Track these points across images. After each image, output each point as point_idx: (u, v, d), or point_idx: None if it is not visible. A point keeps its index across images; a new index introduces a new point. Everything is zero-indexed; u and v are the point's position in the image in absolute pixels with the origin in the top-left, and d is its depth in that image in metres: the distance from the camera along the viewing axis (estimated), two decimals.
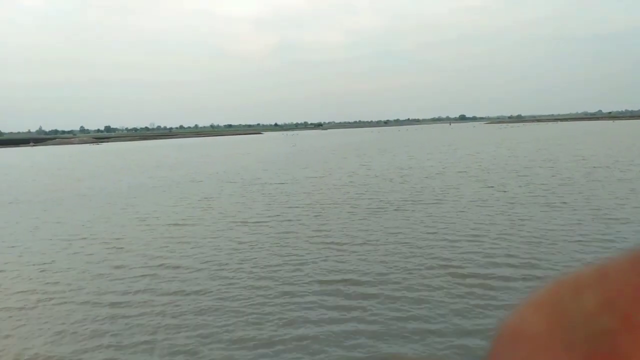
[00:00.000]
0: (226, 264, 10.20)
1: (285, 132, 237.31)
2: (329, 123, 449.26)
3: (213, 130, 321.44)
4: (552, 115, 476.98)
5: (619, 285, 0.21)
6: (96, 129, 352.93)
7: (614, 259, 0.23)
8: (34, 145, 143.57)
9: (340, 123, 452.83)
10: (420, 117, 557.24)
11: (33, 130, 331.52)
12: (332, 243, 11.46)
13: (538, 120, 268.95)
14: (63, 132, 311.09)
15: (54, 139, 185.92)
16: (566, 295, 0.23)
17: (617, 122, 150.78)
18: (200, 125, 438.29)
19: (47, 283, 9.63)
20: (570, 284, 0.23)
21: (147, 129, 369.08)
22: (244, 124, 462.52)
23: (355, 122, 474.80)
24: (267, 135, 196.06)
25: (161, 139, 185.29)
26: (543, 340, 0.22)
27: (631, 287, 0.21)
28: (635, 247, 0.22)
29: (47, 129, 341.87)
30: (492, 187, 19.40)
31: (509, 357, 0.23)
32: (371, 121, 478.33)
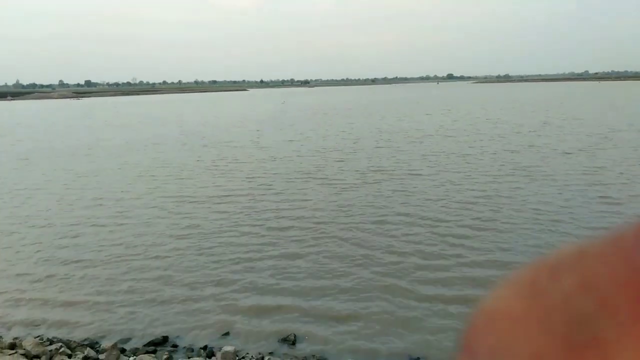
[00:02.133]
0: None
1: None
2: (316, 81, 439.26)
3: (197, 86, 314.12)
4: (540, 75, 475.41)
5: (599, 267, 0.21)
6: (76, 83, 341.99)
7: (594, 240, 0.22)
8: (11, 100, 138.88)
9: (327, 81, 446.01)
10: (408, 76, 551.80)
11: (10, 83, 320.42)
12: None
13: (525, 80, 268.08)
14: (41, 86, 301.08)
15: (33, 93, 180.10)
16: (544, 277, 0.22)
17: (603, 83, 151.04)
18: (184, 81, 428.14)
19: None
20: (549, 265, 0.23)
21: (129, 84, 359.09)
22: (228, 80, 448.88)
23: (342, 79, 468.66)
24: (253, 92, 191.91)
25: (143, 94, 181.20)
26: (520, 322, 0.21)
27: (612, 270, 0.20)
28: (616, 228, 0.22)
29: (24, 82, 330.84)
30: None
31: (485, 340, 0.22)
32: (359, 79, 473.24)
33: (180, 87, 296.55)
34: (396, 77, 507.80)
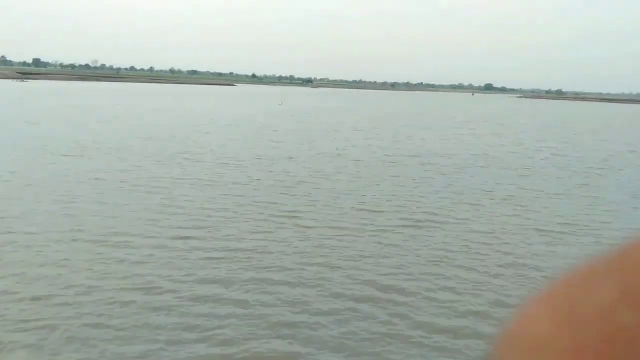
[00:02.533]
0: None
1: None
2: (321, 80, 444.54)
3: (173, 76, 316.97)
4: (600, 93, 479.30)
5: None
6: (22, 61, 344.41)
7: (633, 241, 0.23)
8: None
9: (335, 81, 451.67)
10: (436, 83, 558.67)
11: None
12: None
13: (583, 99, 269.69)
14: None
15: None
16: (577, 289, 0.23)
17: None
18: (157, 68, 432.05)
19: None
20: (582, 275, 0.23)
21: (88, 67, 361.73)
22: (212, 71, 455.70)
23: (354, 81, 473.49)
24: (242, 88, 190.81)
25: (105, 81, 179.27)
26: (550, 342, 0.22)
27: None
28: None
29: None
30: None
31: None
32: (375, 82, 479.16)
33: (152, 76, 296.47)
34: (421, 83, 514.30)
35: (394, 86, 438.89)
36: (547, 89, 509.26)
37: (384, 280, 9.19)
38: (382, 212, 13.90)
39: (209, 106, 65.12)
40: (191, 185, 16.36)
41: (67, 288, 8.45)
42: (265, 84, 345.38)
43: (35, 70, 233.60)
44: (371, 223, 12.72)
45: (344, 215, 13.45)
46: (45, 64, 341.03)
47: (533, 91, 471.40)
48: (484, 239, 11.84)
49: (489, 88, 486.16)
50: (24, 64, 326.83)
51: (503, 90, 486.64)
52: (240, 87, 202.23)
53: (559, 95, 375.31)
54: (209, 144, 26.74)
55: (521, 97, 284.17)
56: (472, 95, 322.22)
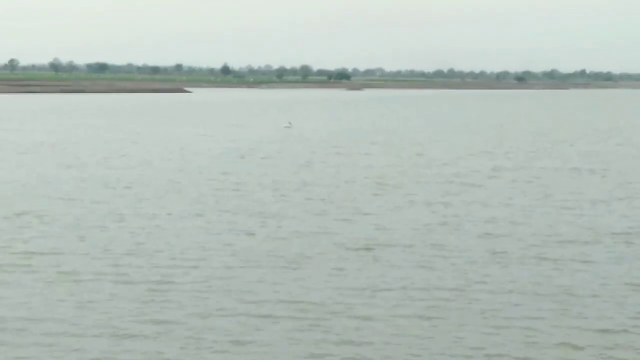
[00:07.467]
0: None
1: None
2: (366, 72, 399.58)
3: (56, 78, 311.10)
4: None
5: None
6: None
7: None
8: None
9: (395, 75, 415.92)
10: (611, 69, 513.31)
11: None
12: None
13: None
14: None
15: None
16: None
17: None
18: (25, 62, 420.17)
19: None
20: None
21: None
22: (141, 64, 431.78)
23: (438, 72, 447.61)
24: (201, 95, 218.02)
25: None
26: None
27: None
28: None
29: None
30: None
31: None
32: (481, 73, 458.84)
33: (11, 78, 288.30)
34: (583, 72, 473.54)
35: (521, 80, 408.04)
36: None
37: None
38: None
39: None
40: None
41: None
42: (248, 85, 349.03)
43: None
44: None
45: None
46: None
47: None
48: None
49: None
50: None
51: None
52: (199, 94, 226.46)
53: None
54: None
55: None
56: None
